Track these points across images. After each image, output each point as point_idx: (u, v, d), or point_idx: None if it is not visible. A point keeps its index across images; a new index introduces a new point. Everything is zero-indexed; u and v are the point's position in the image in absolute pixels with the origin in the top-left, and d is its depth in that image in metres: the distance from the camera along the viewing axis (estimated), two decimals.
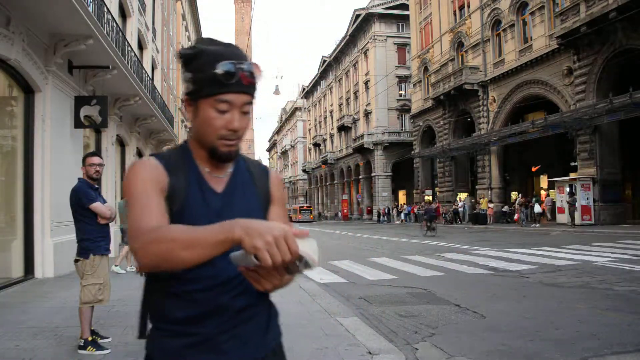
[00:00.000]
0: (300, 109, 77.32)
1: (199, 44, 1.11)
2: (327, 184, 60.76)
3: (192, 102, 1.13)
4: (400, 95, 44.18)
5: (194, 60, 1.10)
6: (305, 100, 74.14)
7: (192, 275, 1.06)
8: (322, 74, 61.74)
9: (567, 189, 20.88)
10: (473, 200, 29.92)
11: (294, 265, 0.93)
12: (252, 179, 1.23)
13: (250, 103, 1.14)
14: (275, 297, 1.19)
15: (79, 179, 4.24)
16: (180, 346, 1.08)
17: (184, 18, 35.50)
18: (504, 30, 26.29)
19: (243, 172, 1.23)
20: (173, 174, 1.13)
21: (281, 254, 0.89)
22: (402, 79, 43.50)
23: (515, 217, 24.10)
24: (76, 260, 4.13)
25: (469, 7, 29.65)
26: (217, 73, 1.06)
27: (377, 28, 43.90)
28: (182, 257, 0.93)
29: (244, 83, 1.09)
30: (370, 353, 3.79)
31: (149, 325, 1.16)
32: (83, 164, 4.28)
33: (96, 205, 4.07)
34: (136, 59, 14.23)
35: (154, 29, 22.19)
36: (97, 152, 5.22)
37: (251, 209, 1.16)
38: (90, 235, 4.05)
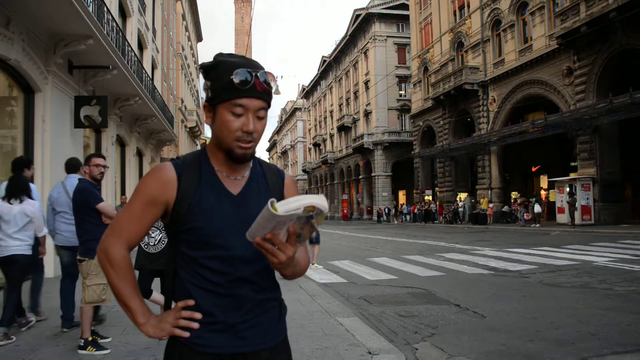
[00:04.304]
0: (300, 109, 77.25)
1: (218, 56, 1.22)
2: (327, 184, 60.72)
3: (211, 107, 1.23)
4: (400, 95, 44.13)
5: (213, 69, 1.20)
6: (305, 100, 74.09)
7: (217, 273, 1.21)
8: (322, 74, 61.68)
9: (567, 189, 20.86)
10: (473, 200, 29.90)
11: (307, 224, 1.07)
12: (267, 183, 1.33)
13: (265, 109, 1.23)
14: None
15: (81, 179, 4.23)
16: (206, 331, 1.20)
17: (184, 18, 35.49)
18: (504, 30, 26.28)
19: (259, 177, 1.32)
20: (185, 177, 1.23)
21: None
22: (402, 79, 43.46)
23: (526, 216, 23.75)
24: (80, 260, 4.12)
25: (469, 7, 29.63)
26: (234, 80, 1.16)
27: (377, 28, 43.86)
28: (110, 284, 1.23)
29: (258, 89, 1.19)
30: (370, 353, 3.79)
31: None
32: (86, 163, 4.23)
33: (103, 205, 4.06)
34: (136, 59, 14.23)
35: (154, 29, 22.19)
36: (102, 154, 5.21)
37: None
38: (96, 236, 4.01)
